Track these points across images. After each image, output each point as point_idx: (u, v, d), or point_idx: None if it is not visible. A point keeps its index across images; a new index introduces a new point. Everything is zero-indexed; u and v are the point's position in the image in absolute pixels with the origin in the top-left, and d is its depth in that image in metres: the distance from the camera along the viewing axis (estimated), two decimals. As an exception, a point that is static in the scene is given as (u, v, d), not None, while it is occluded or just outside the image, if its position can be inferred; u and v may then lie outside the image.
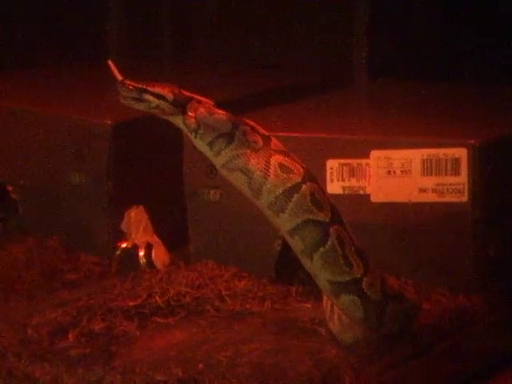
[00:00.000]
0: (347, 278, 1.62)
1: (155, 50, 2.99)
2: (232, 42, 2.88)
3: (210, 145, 1.63)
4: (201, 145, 1.65)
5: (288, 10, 2.79)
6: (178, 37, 3.00)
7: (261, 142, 1.63)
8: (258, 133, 1.64)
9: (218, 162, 1.64)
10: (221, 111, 1.65)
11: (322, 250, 1.61)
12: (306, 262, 1.64)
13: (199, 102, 1.65)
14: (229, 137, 1.63)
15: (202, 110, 1.64)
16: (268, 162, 1.62)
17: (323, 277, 1.63)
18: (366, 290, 1.63)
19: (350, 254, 1.62)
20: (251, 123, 1.65)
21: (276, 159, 1.62)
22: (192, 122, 1.63)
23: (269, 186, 1.61)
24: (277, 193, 1.61)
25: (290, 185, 1.61)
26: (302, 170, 1.62)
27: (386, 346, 1.69)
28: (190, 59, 2.99)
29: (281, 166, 1.62)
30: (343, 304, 1.64)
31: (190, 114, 1.63)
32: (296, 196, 1.61)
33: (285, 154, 1.63)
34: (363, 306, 1.63)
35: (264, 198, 1.62)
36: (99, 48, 2.93)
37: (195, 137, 1.64)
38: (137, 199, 2.14)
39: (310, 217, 1.60)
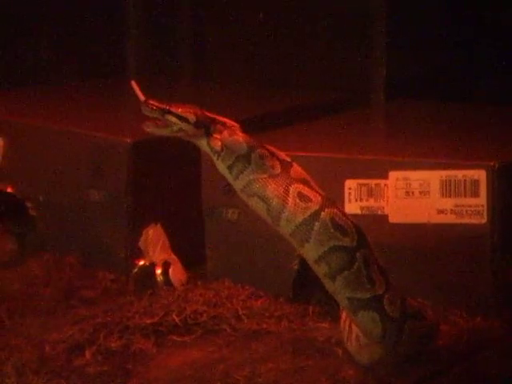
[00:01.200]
0: (368, 295, 1.62)
1: (172, 68, 3.00)
2: (249, 61, 2.89)
3: (230, 168, 1.63)
4: (222, 168, 1.65)
5: (305, 30, 2.80)
6: (194, 56, 3.01)
7: (279, 168, 1.63)
8: (278, 158, 1.64)
9: (237, 186, 1.64)
10: (241, 133, 1.65)
11: (346, 272, 1.61)
12: (327, 283, 1.63)
13: (223, 123, 1.65)
14: (245, 160, 1.62)
15: (225, 132, 1.64)
16: (287, 191, 1.61)
17: (344, 294, 1.62)
18: (386, 307, 1.62)
19: (373, 272, 1.61)
20: (271, 148, 1.65)
21: (295, 188, 1.61)
22: (217, 144, 1.63)
23: (287, 214, 1.60)
24: (296, 222, 1.60)
25: (308, 213, 1.60)
26: (319, 197, 1.61)
27: (402, 368, 1.68)
28: (207, 78, 2.99)
29: (299, 194, 1.61)
30: (362, 320, 1.63)
31: (215, 136, 1.64)
32: (317, 224, 1.60)
33: (304, 182, 1.63)
34: (382, 322, 1.63)
35: (284, 227, 1.61)
36: (119, 66, 2.94)
37: (217, 159, 1.64)
38: (155, 217, 2.14)
39: (336, 243, 1.60)
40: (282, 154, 1.65)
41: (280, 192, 1.61)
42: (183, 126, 1.63)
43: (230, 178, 1.64)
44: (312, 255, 1.61)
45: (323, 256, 1.60)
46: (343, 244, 1.60)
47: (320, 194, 1.62)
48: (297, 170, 1.64)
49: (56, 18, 2.87)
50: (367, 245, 1.62)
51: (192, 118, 1.63)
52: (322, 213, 1.60)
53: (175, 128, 1.63)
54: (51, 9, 2.85)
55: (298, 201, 1.61)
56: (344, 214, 1.62)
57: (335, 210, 1.61)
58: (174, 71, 3.00)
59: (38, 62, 2.83)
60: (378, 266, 1.63)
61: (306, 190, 1.62)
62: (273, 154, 1.64)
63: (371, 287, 1.61)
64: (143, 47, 3.01)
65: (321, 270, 1.62)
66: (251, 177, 1.63)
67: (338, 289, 1.62)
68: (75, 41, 2.90)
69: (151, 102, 1.63)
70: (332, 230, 1.60)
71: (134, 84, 1.65)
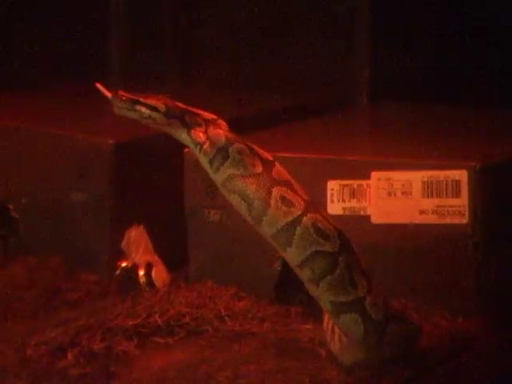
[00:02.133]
0: (350, 298, 1.62)
1: (160, 72, 2.99)
2: (233, 62, 2.89)
3: (211, 162, 1.63)
4: (203, 161, 1.64)
5: (290, 32, 2.80)
6: (179, 57, 3.01)
7: (260, 167, 1.62)
8: (259, 157, 1.63)
9: (218, 180, 1.63)
10: (223, 127, 1.65)
11: (329, 277, 1.60)
12: (311, 288, 1.63)
13: (200, 115, 1.65)
14: (224, 153, 1.62)
15: (210, 125, 1.63)
16: (269, 193, 1.60)
17: (326, 298, 1.62)
18: (368, 309, 1.62)
19: (356, 275, 1.62)
20: (252, 146, 1.64)
21: (278, 191, 1.61)
22: (198, 136, 1.63)
23: (269, 218, 1.60)
24: (278, 226, 1.60)
25: (290, 218, 1.60)
26: (302, 202, 1.61)
27: (385, 369, 1.69)
28: (192, 79, 2.99)
29: (282, 198, 1.60)
30: (344, 322, 1.63)
31: (196, 128, 1.64)
32: (299, 229, 1.59)
33: (287, 185, 1.62)
34: (364, 324, 1.63)
35: (265, 229, 1.61)
36: (102, 68, 2.94)
37: (199, 151, 1.64)
38: (137, 218, 2.14)
39: (318, 248, 1.59)
40: (265, 153, 1.64)
41: (262, 194, 1.60)
42: (153, 114, 1.63)
43: (210, 171, 1.64)
44: (295, 260, 1.61)
45: (305, 261, 1.60)
46: (325, 249, 1.60)
47: (303, 199, 1.61)
48: (279, 170, 1.63)
49: (39, 21, 2.86)
50: (350, 249, 1.62)
51: (161, 107, 1.63)
52: (304, 218, 1.60)
53: (145, 115, 1.63)
54: (33, 11, 2.85)
55: (280, 205, 1.60)
56: (326, 219, 1.61)
57: (317, 215, 1.61)
58: (158, 73, 3.00)
59: (21, 65, 2.83)
60: (361, 269, 1.62)
61: (289, 194, 1.61)
62: (253, 152, 1.63)
63: (353, 290, 1.61)
64: (127, 49, 3.01)
65: (304, 275, 1.62)
66: (230, 171, 1.62)
67: (321, 293, 1.62)
68: (58, 43, 2.90)
69: (121, 92, 1.64)
70: (314, 236, 1.60)
71: (99, 85, 1.66)
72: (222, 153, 1.62)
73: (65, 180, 2.20)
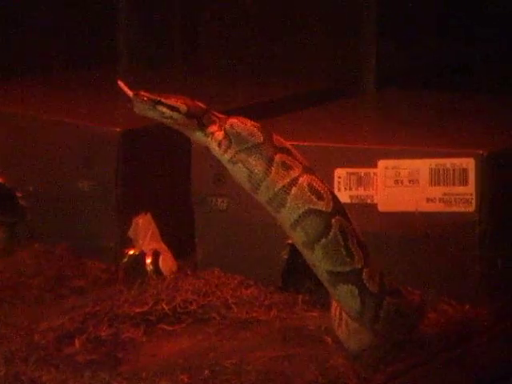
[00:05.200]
0: (347, 269, 1.63)
1: (165, 58, 3.00)
2: (241, 51, 2.88)
3: (220, 144, 1.66)
4: (213, 146, 1.67)
5: (296, 19, 2.80)
6: (187, 45, 3.01)
7: (261, 137, 1.65)
8: (255, 126, 1.66)
9: (225, 158, 1.66)
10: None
11: (324, 240, 1.62)
12: (306, 254, 1.65)
13: (214, 113, 1.68)
14: (232, 136, 1.65)
15: (223, 119, 1.67)
16: (271, 160, 1.64)
17: (323, 267, 1.64)
18: (365, 281, 1.64)
19: (352, 245, 1.63)
20: (256, 123, 1.68)
21: (279, 158, 1.64)
22: (212, 128, 1.66)
23: (268, 182, 1.63)
24: (275, 189, 1.63)
25: (288, 180, 1.63)
26: (300, 166, 1.64)
27: (391, 355, 1.69)
28: (200, 68, 2.99)
29: (283, 163, 1.64)
30: (340, 294, 1.65)
31: (212, 125, 1.65)
32: (294, 189, 1.63)
33: (287, 151, 1.65)
34: (360, 297, 1.64)
35: (262, 194, 1.64)
36: (109, 55, 2.94)
37: (211, 139, 1.66)
38: (144, 206, 2.14)
39: (311, 206, 1.62)
40: (258, 124, 1.67)
41: (264, 161, 1.64)
42: (174, 115, 1.65)
43: (219, 153, 1.66)
44: (288, 220, 1.63)
45: (298, 220, 1.62)
46: (318, 208, 1.62)
47: (301, 163, 1.65)
48: (279, 139, 1.67)
49: (46, 8, 2.86)
50: (345, 215, 1.64)
51: (183, 108, 1.65)
52: (301, 178, 1.63)
53: (166, 115, 1.65)
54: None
55: (280, 169, 1.64)
56: (322, 182, 1.65)
57: (313, 177, 1.64)
58: (165, 61, 3.00)
59: (28, 52, 2.83)
60: (357, 240, 1.64)
61: (289, 160, 1.65)
62: (251, 125, 1.66)
63: (350, 260, 1.63)
64: (134, 37, 3.01)
65: (298, 238, 1.63)
66: (237, 148, 1.65)
67: (317, 260, 1.63)
68: (65, 30, 2.90)
69: (142, 93, 1.65)
70: (308, 194, 1.62)
71: (120, 83, 1.66)
72: (231, 135, 1.65)
73: (72, 168, 2.21)
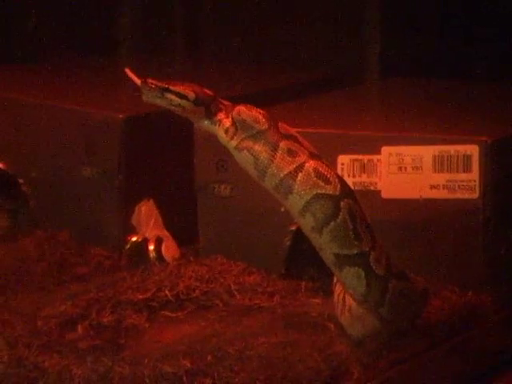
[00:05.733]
0: (355, 252, 1.63)
1: (167, 44, 2.99)
2: (245, 38, 2.88)
3: (227, 131, 1.66)
4: (220, 133, 1.66)
5: (300, 7, 2.79)
6: (189, 32, 3.00)
7: (266, 123, 1.65)
8: (260, 113, 1.66)
9: (232, 145, 1.66)
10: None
11: (332, 224, 1.61)
12: (314, 238, 1.64)
13: (221, 101, 1.67)
14: (239, 123, 1.65)
15: (230, 107, 1.66)
16: (276, 146, 1.64)
17: (330, 250, 1.63)
18: (371, 264, 1.63)
19: (360, 227, 1.62)
20: (263, 111, 1.68)
21: (284, 144, 1.64)
22: (219, 115, 1.65)
23: (273, 168, 1.63)
24: (281, 175, 1.63)
25: (294, 166, 1.63)
26: (306, 152, 1.64)
27: (394, 342, 1.69)
28: (202, 55, 2.99)
29: (288, 150, 1.64)
30: (346, 276, 1.64)
31: (219, 112, 1.65)
32: (300, 175, 1.62)
33: (293, 138, 1.65)
34: (367, 279, 1.63)
35: (269, 181, 1.64)
36: (111, 42, 2.93)
37: (218, 126, 1.66)
38: (147, 193, 2.14)
39: (319, 191, 1.62)
40: (263, 111, 1.67)
41: (269, 147, 1.64)
42: (182, 103, 1.65)
43: (226, 140, 1.66)
44: (296, 206, 1.62)
45: (307, 206, 1.62)
46: (326, 192, 1.62)
47: (307, 149, 1.65)
48: (284, 126, 1.67)
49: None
50: (353, 197, 1.64)
51: (191, 95, 1.65)
52: (307, 164, 1.63)
53: (175, 103, 1.65)
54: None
55: (285, 156, 1.63)
56: (328, 166, 1.64)
57: (319, 162, 1.64)
58: (168, 47, 2.99)
59: (31, 39, 2.82)
60: (366, 223, 1.64)
61: (294, 146, 1.64)
62: (257, 112, 1.66)
63: (358, 243, 1.62)
64: (137, 23, 3.00)
65: (307, 223, 1.63)
66: (243, 135, 1.65)
67: (324, 243, 1.62)
68: (68, 17, 2.89)
69: (150, 80, 1.64)
70: (314, 179, 1.62)
71: (128, 71, 1.65)
72: (237, 122, 1.65)
73: (75, 154, 2.20)
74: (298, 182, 1.62)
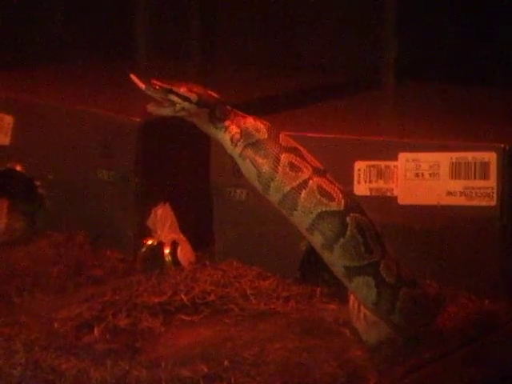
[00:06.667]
0: (365, 263, 1.63)
1: (183, 49, 2.99)
2: (259, 43, 2.88)
3: (232, 138, 1.67)
4: (225, 140, 1.67)
5: (315, 11, 2.79)
6: (204, 37, 3.01)
7: (265, 133, 1.65)
8: (259, 121, 1.67)
9: (236, 152, 1.67)
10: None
11: (342, 240, 1.62)
12: (325, 254, 1.64)
13: (225, 106, 1.68)
14: (244, 132, 1.66)
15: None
16: (277, 159, 1.64)
17: (341, 264, 1.63)
18: (382, 273, 1.63)
19: (370, 239, 1.63)
20: (266, 122, 1.68)
21: (286, 157, 1.64)
22: (225, 121, 1.65)
23: (276, 183, 1.63)
24: (284, 191, 1.63)
25: (297, 183, 1.63)
26: (310, 167, 1.64)
27: (410, 348, 1.69)
28: (217, 60, 2.99)
29: (290, 164, 1.64)
30: (356, 286, 1.64)
31: (224, 117, 1.65)
32: (304, 192, 1.62)
33: (295, 151, 1.65)
34: (377, 288, 1.64)
35: (273, 195, 1.64)
36: (129, 46, 2.94)
37: (224, 132, 1.67)
38: (163, 197, 2.15)
39: (323, 209, 1.61)
40: (266, 122, 1.67)
41: (269, 159, 1.64)
42: (185, 105, 1.65)
43: (230, 148, 1.67)
44: (303, 223, 1.63)
45: (313, 224, 1.62)
46: (330, 209, 1.62)
47: (311, 165, 1.64)
48: (286, 138, 1.67)
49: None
50: (359, 210, 1.63)
51: (194, 97, 1.66)
52: (311, 181, 1.63)
53: (178, 107, 1.65)
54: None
55: (288, 170, 1.63)
56: (332, 182, 1.64)
57: (323, 179, 1.64)
58: (184, 52, 3.00)
59: (49, 41, 2.83)
60: (375, 232, 1.63)
61: (297, 161, 1.64)
62: (260, 122, 1.67)
63: (369, 255, 1.63)
64: (154, 27, 3.00)
65: (317, 241, 1.63)
66: (246, 142, 1.65)
67: (336, 259, 1.63)
68: (87, 19, 2.90)
69: (154, 81, 1.65)
70: (318, 197, 1.62)
71: (133, 77, 1.66)
72: (242, 131, 1.66)
73: (91, 157, 2.21)
74: (302, 199, 1.62)
